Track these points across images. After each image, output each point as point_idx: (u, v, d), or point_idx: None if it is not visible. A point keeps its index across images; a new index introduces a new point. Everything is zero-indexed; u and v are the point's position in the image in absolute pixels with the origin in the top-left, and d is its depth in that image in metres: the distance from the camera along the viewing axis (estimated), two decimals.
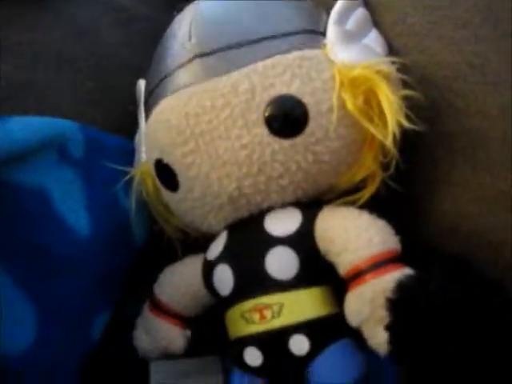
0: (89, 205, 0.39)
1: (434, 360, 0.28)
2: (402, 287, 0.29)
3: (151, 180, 0.39)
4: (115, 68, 0.44)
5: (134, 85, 0.42)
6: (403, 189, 0.36)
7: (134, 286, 0.42)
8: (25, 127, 0.35)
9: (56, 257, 0.37)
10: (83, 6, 0.46)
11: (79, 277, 0.38)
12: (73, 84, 0.41)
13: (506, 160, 0.34)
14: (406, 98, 0.34)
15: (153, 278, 0.41)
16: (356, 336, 0.33)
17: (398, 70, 0.35)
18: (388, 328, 0.29)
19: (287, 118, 0.33)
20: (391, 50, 0.37)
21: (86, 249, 0.38)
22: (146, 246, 0.43)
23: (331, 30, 0.36)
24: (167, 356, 0.39)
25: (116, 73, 0.44)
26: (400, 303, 0.29)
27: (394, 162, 0.34)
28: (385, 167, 0.35)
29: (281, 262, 0.34)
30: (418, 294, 0.28)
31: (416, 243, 0.35)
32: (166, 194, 0.38)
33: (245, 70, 0.33)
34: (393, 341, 0.29)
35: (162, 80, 0.36)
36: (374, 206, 0.35)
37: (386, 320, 0.30)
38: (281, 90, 0.33)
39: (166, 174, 0.36)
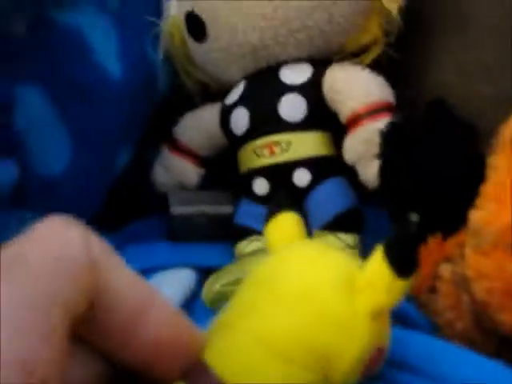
0: (121, 51, 0.44)
1: (415, 184, 0.34)
2: (393, 123, 0.35)
3: (179, 33, 0.44)
4: None
5: None
6: (400, 57, 0.42)
7: (154, 131, 0.48)
8: None
9: (90, 92, 0.42)
10: None
11: (107, 112, 0.43)
12: None
13: (493, 39, 0.40)
14: None
15: (172, 125, 0.46)
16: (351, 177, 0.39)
17: None
18: (379, 156, 0.35)
19: None
20: None
21: (116, 89, 0.43)
22: (168, 98, 0.48)
23: None
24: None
25: None
26: (390, 134, 0.35)
27: (395, 31, 0.40)
28: (387, 35, 0.41)
29: (292, 107, 0.40)
30: (407, 126, 0.34)
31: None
32: (192, 45, 0.43)
33: None
34: (382, 168, 0.35)
35: None
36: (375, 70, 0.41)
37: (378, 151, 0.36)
38: None
39: (195, 25, 0.41)
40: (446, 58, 0.42)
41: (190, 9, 0.41)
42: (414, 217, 0.18)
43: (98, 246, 0.17)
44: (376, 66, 0.42)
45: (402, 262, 0.18)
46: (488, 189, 0.30)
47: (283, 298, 0.18)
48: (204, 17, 0.41)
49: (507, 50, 0.40)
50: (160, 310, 0.17)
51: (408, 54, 0.43)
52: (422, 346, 0.22)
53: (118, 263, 0.17)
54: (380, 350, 0.19)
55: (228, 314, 0.19)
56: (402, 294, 0.18)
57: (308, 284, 0.18)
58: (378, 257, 0.18)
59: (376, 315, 0.18)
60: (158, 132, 0.48)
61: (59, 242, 0.16)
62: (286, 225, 0.22)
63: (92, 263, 0.16)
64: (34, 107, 0.40)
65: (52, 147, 0.41)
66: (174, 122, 0.47)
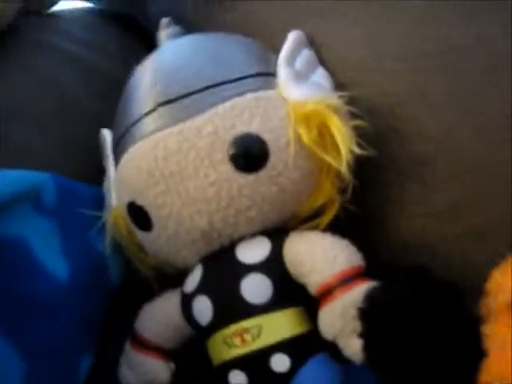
0: (65, 251, 0.41)
1: (406, 361, 0.31)
2: (370, 297, 0.32)
3: (124, 223, 0.41)
4: (79, 118, 0.46)
5: (97, 134, 0.44)
6: (359, 210, 0.39)
7: (113, 324, 0.44)
8: (1, 181, 0.37)
9: (38, 303, 0.38)
10: (43, 57, 0.48)
11: (60, 321, 0.39)
12: (40, 135, 0.44)
13: (450, 176, 0.38)
14: (355, 128, 0.37)
15: (132, 316, 0.43)
16: (332, 348, 0.36)
17: (346, 102, 0.38)
18: (361, 335, 0.32)
19: (250, 155, 0.36)
20: (338, 85, 0.40)
21: (66, 293, 0.40)
22: (122, 286, 0.44)
23: (282, 72, 0.39)
24: None
25: (81, 122, 0.46)
26: (370, 311, 0.32)
27: (350, 187, 0.37)
28: (342, 192, 0.38)
29: (255, 288, 0.36)
30: (386, 301, 0.31)
31: (375, 260, 0.38)
32: (139, 234, 0.40)
33: (207, 114, 0.36)
34: (366, 347, 0.32)
35: (129, 128, 0.39)
36: (335, 228, 0.38)
37: (358, 329, 0.32)
38: (241, 129, 0.36)
39: (138, 216, 0.39)
40: (409, 202, 0.40)
41: (130, 199, 0.39)
42: None
43: None
44: (335, 224, 0.39)
45: None
46: (492, 366, 0.27)
47: None
48: (146, 207, 0.38)
49: (472, 186, 0.38)
50: None
51: (369, 205, 0.41)
52: None
53: None
54: None
55: None
56: None
57: None
58: None
59: None
60: (119, 325, 0.44)
61: None
62: None
63: None
64: None
65: (3, 377, 0.37)
66: (133, 312, 0.43)
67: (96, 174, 0.44)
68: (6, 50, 0.46)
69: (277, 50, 0.41)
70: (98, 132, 0.44)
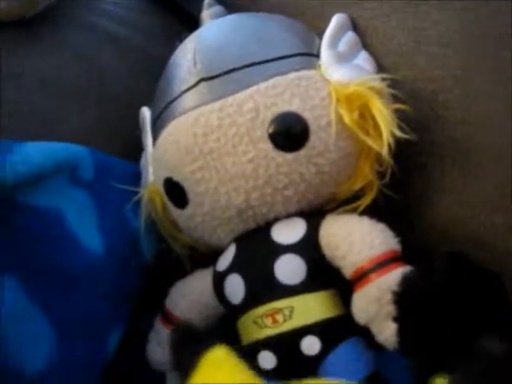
0: (101, 225, 0.41)
1: (440, 346, 0.30)
2: (406, 280, 0.31)
3: (159, 199, 0.41)
4: (117, 95, 0.46)
5: (135, 111, 0.44)
6: (398, 196, 0.38)
7: (145, 301, 0.44)
8: (40, 152, 0.37)
9: (71, 275, 0.39)
10: (80, 34, 0.48)
11: (92, 294, 0.39)
12: (77, 111, 0.44)
13: (492, 164, 0.37)
14: (397, 111, 0.37)
15: (163, 293, 0.43)
16: (365, 335, 0.35)
17: (389, 85, 0.37)
18: (396, 320, 0.31)
19: (290, 134, 0.36)
20: (381, 68, 0.40)
21: (99, 267, 0.40)
22: (155, 263, 0.44)
23: (325, 53, 0.38)
24: None
25: (118, 100, 0.46)
26: (406, 295, 0.31)
27: (389, 171, 0.37)
28: (381, 176, 0.38)
29: (289, 269, 0.36)
30: (423, 285, 0.31)
31: (413, 246, 0.37)
32: (174, 211, 0.40)
33: (248, 91, 0.36)
34: (401, 332, 0.31)
35: (169, 104, 0.39)
36: (373, 213, 0.38)
37: (393, 314, 0.32)
38: (282, 107, 0.36)
39: (175, 192, 0.39)
40: (450, 190, 0.39)
41: (168, 175, 0.39)
42: None
43: None
44: (373, 208, 0.39)
45: None
46: None
47: None
48: (183, 183, 0.38)
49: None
50: None
51: (409, 190, 0.40)
52: None
53: None
54: None
55: None
56: None
57: None
58: None
59: None
60: (151, 302, 0.44)
61: None
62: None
63: None
64: (8, 300, 0.36)
65: (32, 341, 0.37)
66: (165, 289, 0.43)
67: (133, 152, 0.44)
68: (45, 28, 0.47)
69: (321, 33, 0.40)
70: (136, 110, 0.44)
